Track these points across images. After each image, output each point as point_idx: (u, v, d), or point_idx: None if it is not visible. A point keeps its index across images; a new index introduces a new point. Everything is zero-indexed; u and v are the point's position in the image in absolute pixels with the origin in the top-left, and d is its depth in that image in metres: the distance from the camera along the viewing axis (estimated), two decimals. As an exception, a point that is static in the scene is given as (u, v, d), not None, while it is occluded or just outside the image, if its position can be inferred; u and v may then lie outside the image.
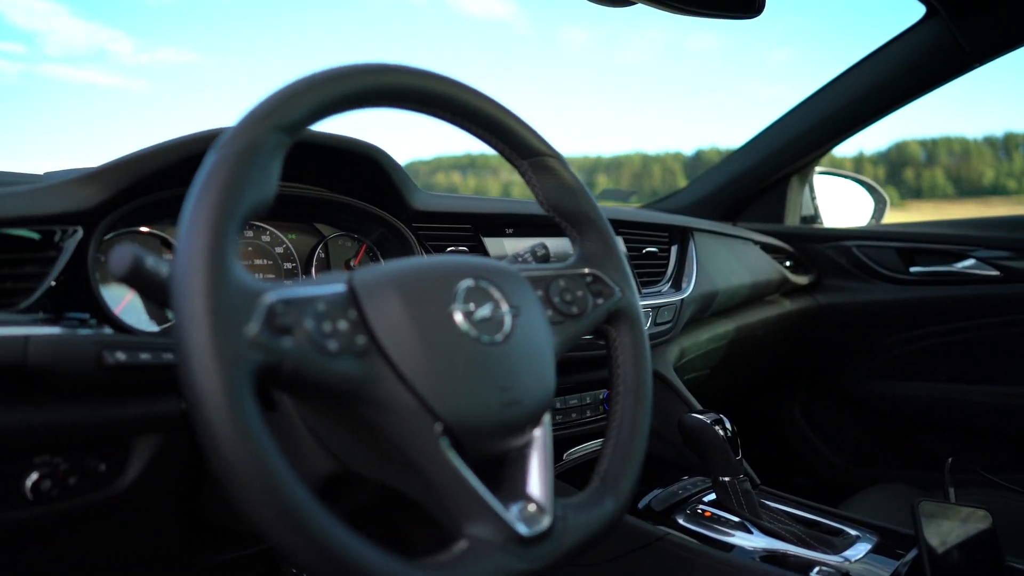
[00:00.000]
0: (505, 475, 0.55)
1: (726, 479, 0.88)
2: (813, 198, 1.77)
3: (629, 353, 0.66)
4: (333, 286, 0.49)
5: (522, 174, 0.67)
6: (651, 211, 1.39)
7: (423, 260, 0.54)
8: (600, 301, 0.65)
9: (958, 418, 1.50)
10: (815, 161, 1.66)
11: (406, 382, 0.48)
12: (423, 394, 0.48)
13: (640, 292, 1.09)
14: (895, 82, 1.39)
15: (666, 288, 1.15)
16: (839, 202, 1.85)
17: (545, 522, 0.51)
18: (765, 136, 1.62)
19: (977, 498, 1.18)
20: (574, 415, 1.03)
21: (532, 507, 0.52)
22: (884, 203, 1.89)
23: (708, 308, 1.25)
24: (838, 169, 1.84)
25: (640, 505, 0.92)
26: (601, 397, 1.08)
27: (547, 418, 0.56)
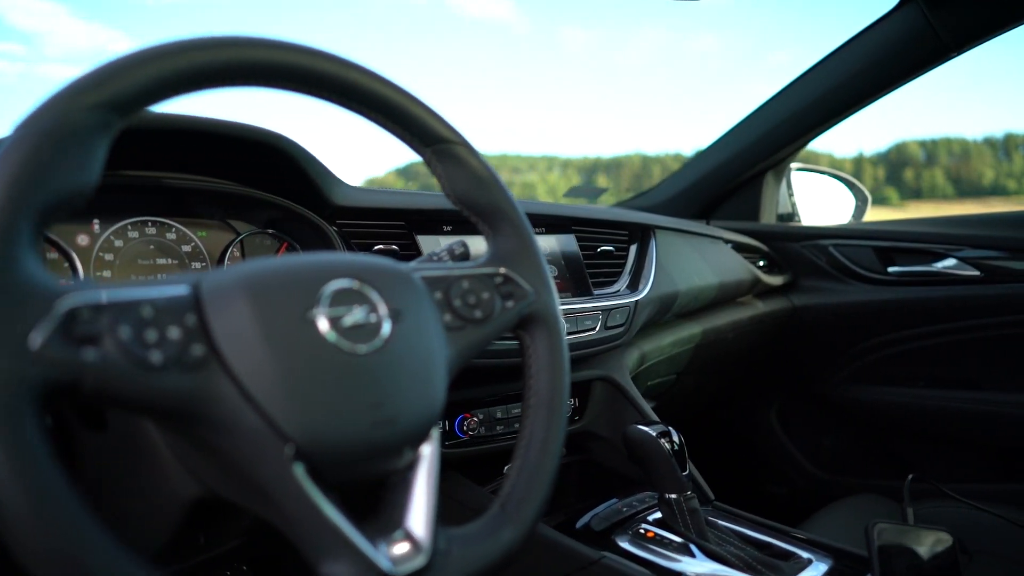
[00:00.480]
0: (383, 503, 0.49)
1: (672, 496, 0.82)
2: (791, 195, 1.70)
3: (544, 362, 0.60)
4: (171, 287, 0.42)
5: (426, 164, 0.60)
6: (615, 208, 1.32)
7: (288, 259, 0.48)
8: (510, 304, 0.58)
9: (939, 426, 1.44)
10: (791, 156, 1.59)
11: (250, 399, 0.41)
12: (271, 412, 0.41)
13: (592, 293, 1.03)
14: (870, 72, 1.32)
15: (622, 289, 1.09)
16: (818, 199, 1.78)
17: (419, 560, 0.44)
18: (738, 131, 1.55)
19: (953, 512, 1.11)
20: (517, 425, 0.97)
21: (405, 542, 0.46)
22: (865, 201, 1.82)
23: (669, 310, 1.18)
24: (816, 165, 1.77)
25: (578, 524, 0.86)
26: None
27: (435, 436, 0.50)
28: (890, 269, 1.46)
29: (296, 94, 0.52)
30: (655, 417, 1.03)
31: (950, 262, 1.40)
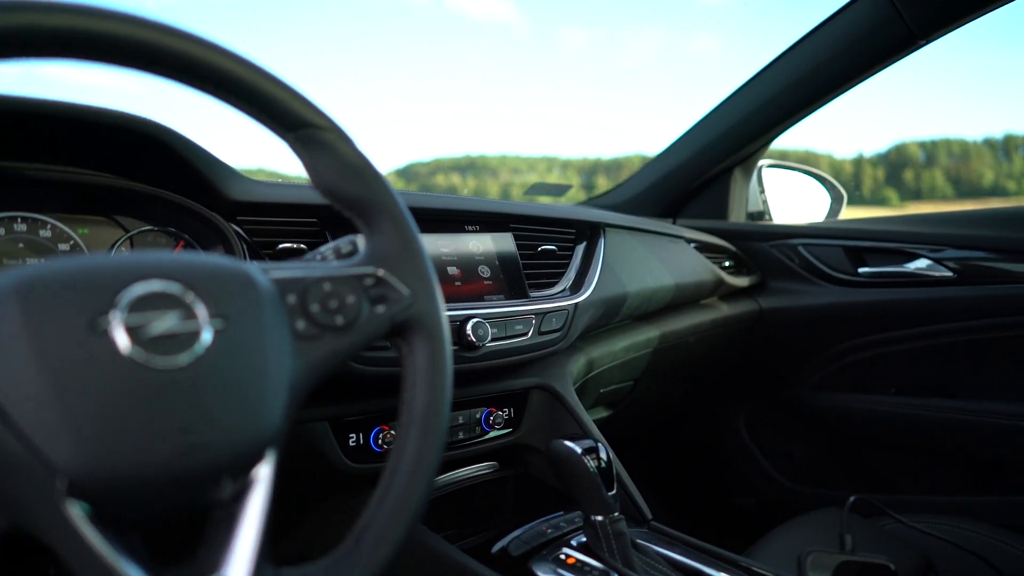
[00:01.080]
0: (204, 540, 0.42)
1: (597, 518, 0.75)
2: (761, 193, 1.63)
3: (421, 375, 0.53)
4: None
5: (291, 150, 0.53)
6: (563, 205, 1.25)
7: (85, 258, 0.41)
8: (380, 309, 0.52)
9: (911, 436, 1.37)
10: (759, 152, 1.52)
11: (11, 423, 0.35)
12: (35, 439, 0.35)
13: (528, 295, 0.96)
14: (836, 62, 1.25)
15: (562, 291, 1.01)
16: (791, 197, 1.71)
17: (233, 610, 0.38)
18: (703, 126, 1.49)
19: (921, 529, 1.04)
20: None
21: (219, 588, 0.39)
22: (840, 198, 1.76)
23: (617, 313, 1.11)
24: (788, 162, 1.71)
25: (495, 548, 0.79)
26: (478, 416, 0.94)
27: (269, 461, 0.43)
28: (860, 270, 1.39)
29: (131, 71, 0.45)
30: (594, 429, 0.96)
31: (922, 262, 1.33)
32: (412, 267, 0.54)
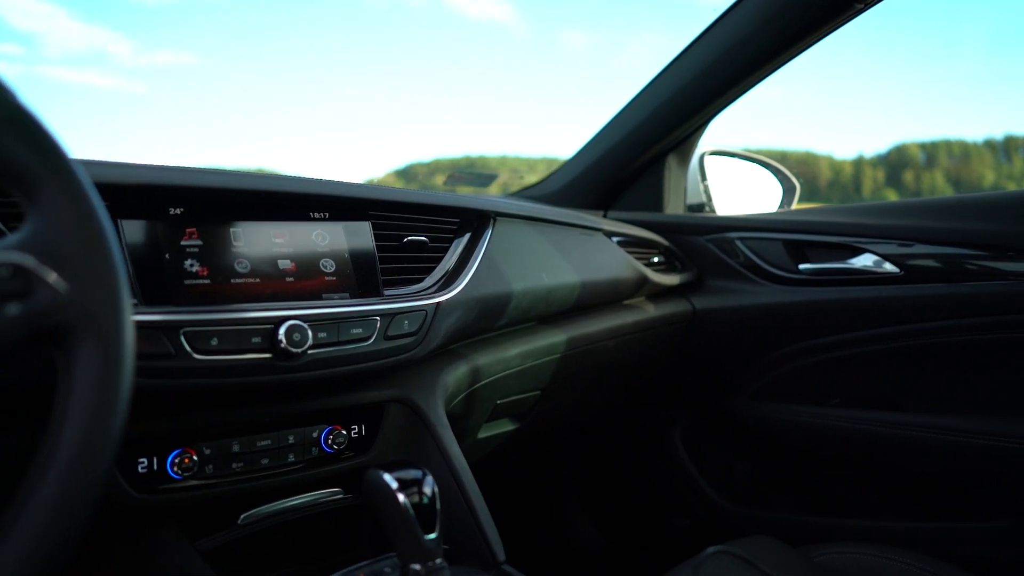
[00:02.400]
0: None
1: (415, 567, 0.61)
2: (704, 182, 1.49)
3: (77, 400, 0.39)
4: None
5: None
6: (450, 192, 1.11)
7: None
8: (13, 308, 0.38)
9: (856, 453, 1.22)
10: (694, 135, 1.38)
11: None
12: None
13: (381, 293, 0.82)
14: (765, 31, 1.11)
15: (428, 289, 0.87)
16: (738, 188, 1.57)
17: None
18: (632, 108, 1.34)
19: (862, 559, 0.90)
20: (264, 461, 0.76)
21: None
22: (793, 189, 1.62)
23: (501, 315, 0.97)
24: (735, 149, 1.56)
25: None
26: (315, 435, 0.80)
27: None
28: (801, 266, 1.25)
29: None
30: (453, 450, 0.82)
31: (868, 258, 1.18)
32: (81, 255, 0.41)
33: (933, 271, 1.11)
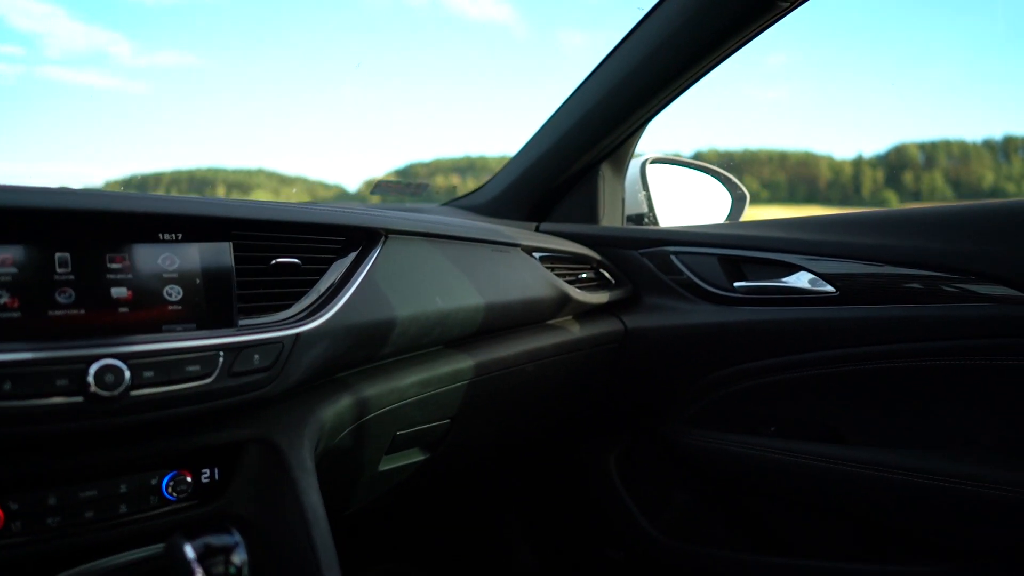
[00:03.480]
0: None
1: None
2: (644, 191, 1.41)
3: None
4: None
5: None
6: (339, 207, 1.02)
7: None
8: None
9: (794, 488, 1.14)
10: (626, 143, 1.29)
11: None
12: None
13: (235, 324, 0.74)
14: (690, 31, 1.03)
15: (294, 317, 0.79)
16: (684, 198, 1.49)
17: None
18: (560, 115, 1.26)
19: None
20: (89, 514, 0.68)
21: None
22: (743, 198, 1.54)
23: (385, 342, 0.89)
24: (679, 157, 1.48)
25: None
26: (155, 482, 0.72)
27: None
28: (736, 284, 1.17)
29: None
30: (313, 497, 0.74)
31: (803, 276, 1.10)
32: None
33: (870, 292, 1.03)
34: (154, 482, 0.72)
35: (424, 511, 1.44)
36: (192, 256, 0.74)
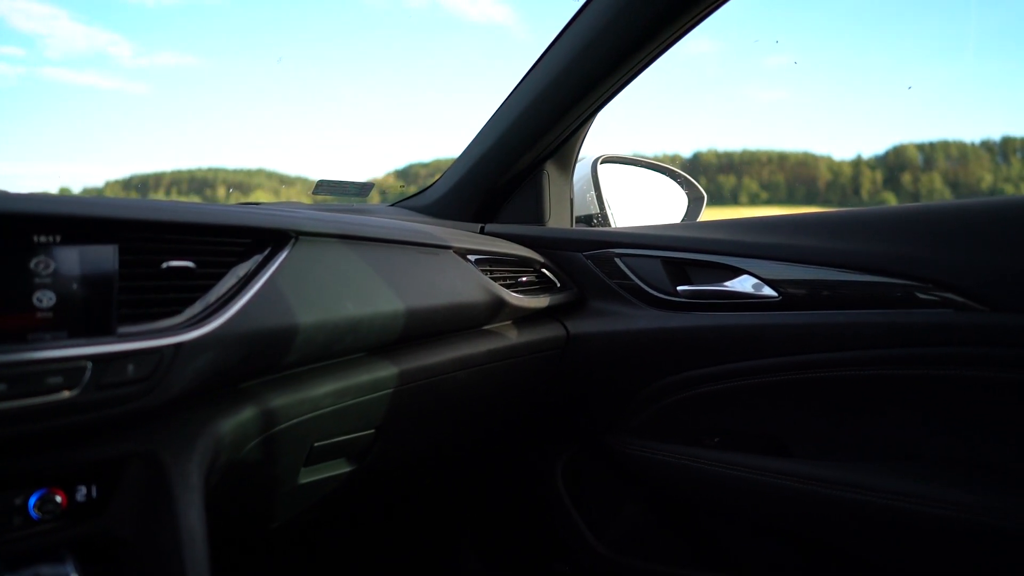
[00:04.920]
0: None
1: None
2: (595, 191, 1.37)
3: None
4: None
5: None
6: (253, 211, 0.97)
7: None
8: None
9: (740, 504, 1.09)
10: (569, 141, 1.25)
11: None
12: None
13: (113, 332, 0.69)
14: (625, 22, 0.99)
15: (183, 324, 0.74)
16: (638, 198, 1.45)
17: None
18: (501, 112, 1.22)
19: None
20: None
21: None
22: (701, 199, 1.50)
23: (288, 351, 0.85)
24: (634, 157, 1.44)
25: None
26: (19, 502, 0.67)
27: None
28: (680, 288, 1.12)
29: None
30: (191, 515, 0.69)
31: (746, 280, 1.06)
32: None
33: (811, 297, 0.99)
34: (18, 502, 0.67)
35: (364, 525, 1.40)
36: (70, 259, 0.70)
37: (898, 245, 0.93)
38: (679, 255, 1.12)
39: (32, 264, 0.67)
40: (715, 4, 0.94)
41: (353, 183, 1.40)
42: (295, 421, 0.89)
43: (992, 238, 0.89)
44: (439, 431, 1.14)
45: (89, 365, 0.66)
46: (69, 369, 0.65)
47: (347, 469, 1.04)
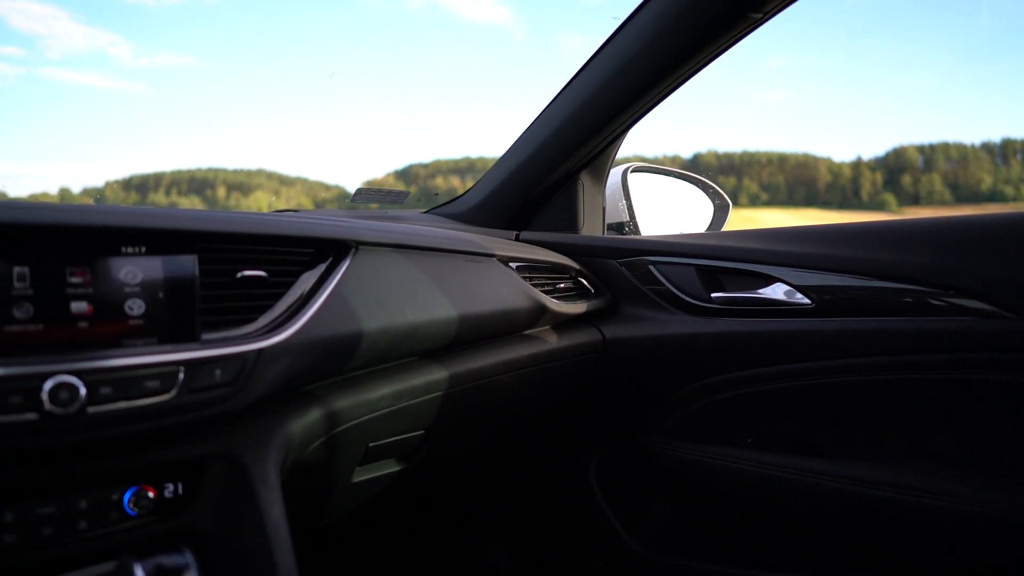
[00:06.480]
0: None
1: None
2: (625, 199, 1.41)
3: None
4: None
5: None
6: (308, 218, 1.02)
7: None
8: None
9: (772, 502, 1.13)
10: (605, 152, 1.29)
11: None
12: None
13: (198, 339, 0.73)
14: (662, 44, 1.03)
15: (258, 331, 0.79)
16: (665, 206, 1.49)
17: None
18: (538, 124, 1.26)
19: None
20: (47, 531, 0.67)
21: None
22: (726, 207, 1.54)
23: (353, 356, 0.89)
24: (662, 166, 1.48)
25: None
26: (116, 498, 0.71)
27: None
28: (714, 295, 1.17)
29: None
30: (275, 513, 0.74)
31: (779, 288, 1.10)
32: None
33: (844, 304, 1.03)
34: (115, 498, 0.71)
35: (402, 522, 1.44)
36: (155, 269, 0.74)
37: (928, 255, 0.98)
38: (713, 263, 1.16)
39: (122, 274, 0.72)
40: (752, 26, 0.98)
41: (390, 191, 1.44)
42: (355, 422, 0.93)
43: (1019, 249, 0.93)
44: (482, 432, 1.19)
45: (182, 369, 0.70)
46: (164, 374, 0.69)
47: (396, 469, 1.08)
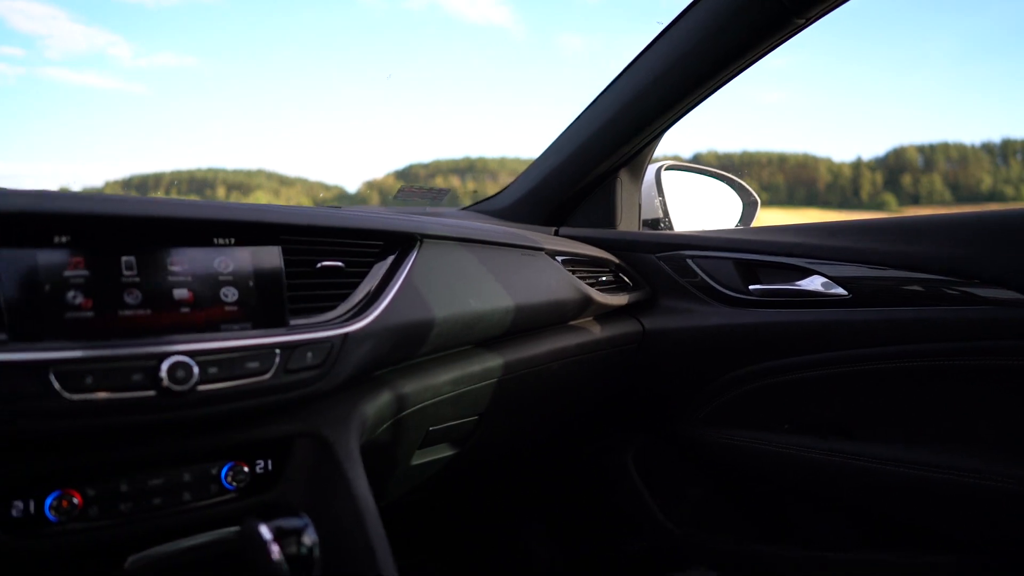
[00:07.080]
0: None
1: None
2: (659, 196, 1.46)
3: None
4: None
5: None
6: (375, 213, 1.07)
7: None
8: None
9: (807, 482, 1.18)
10: (644, 150, 1.34)
11: None
12: None
13: (286, 324, 0.78)
14: (706, 47, 1.08)
15: (339, 318, 0.84)
16: (697, 203, 1.54)
17: None
18: (579, 124, 1.31)
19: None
20: (156, 501, 0.72)
21: None
22: (755, 204, 1.59)
23: (423, 342, 0.94)
24: (694, 164, 1.53)
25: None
26: (215, 472, 0.76)
27: None
28: (752, 287, 1.21)
29: None
30: (359, 490, 0.79)
31: (817, 280, 1.15)
32: None
33: (881, 294, 1.08)
34: (214, 472, 0.76)
35: (446, 506, 1.49)
36: (245, 259, 0.79)
37: (959, 247, 1.03)
38: (750, 256, 1.21)
39: (215, 264, 0.77)
40: (794, 30, 1.03)
41: (431, 189, 1.49)
42: (419, 406, 0.98)
43: None
44: (531, 418, 1.24)
45: (278, 352, 0.75)
46: (263, 355, 0.74)
47: (450, 453, 1.13)
